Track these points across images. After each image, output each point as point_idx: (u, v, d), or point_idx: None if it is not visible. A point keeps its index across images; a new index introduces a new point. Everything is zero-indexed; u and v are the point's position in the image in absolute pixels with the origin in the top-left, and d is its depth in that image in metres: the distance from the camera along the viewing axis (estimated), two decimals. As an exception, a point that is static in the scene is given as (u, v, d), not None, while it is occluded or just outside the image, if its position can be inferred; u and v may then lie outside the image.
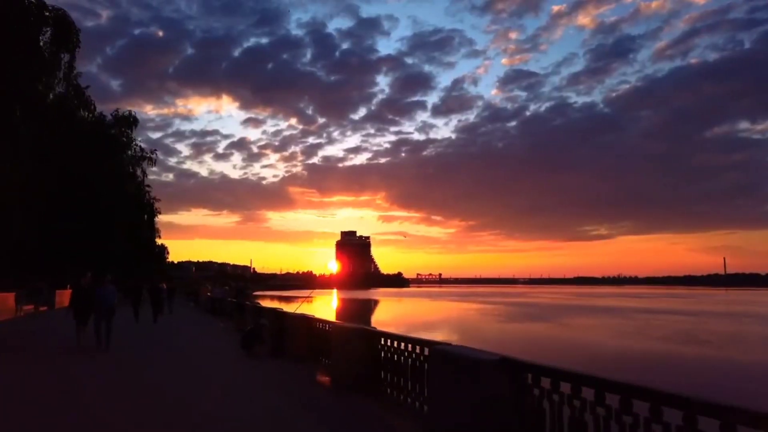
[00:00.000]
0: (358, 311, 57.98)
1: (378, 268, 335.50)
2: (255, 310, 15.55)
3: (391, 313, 52.34)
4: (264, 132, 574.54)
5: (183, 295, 40.80)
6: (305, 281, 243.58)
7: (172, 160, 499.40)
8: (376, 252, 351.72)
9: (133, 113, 36.43)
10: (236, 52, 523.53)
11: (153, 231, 46.11)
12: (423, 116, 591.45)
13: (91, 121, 34.40)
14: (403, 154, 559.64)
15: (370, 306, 68.81)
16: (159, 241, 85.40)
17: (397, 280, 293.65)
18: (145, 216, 40.89)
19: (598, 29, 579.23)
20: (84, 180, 30.38)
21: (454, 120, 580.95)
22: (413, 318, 45.74)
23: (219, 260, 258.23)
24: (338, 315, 50.47)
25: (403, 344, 6.52)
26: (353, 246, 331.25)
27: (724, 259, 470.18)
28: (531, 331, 33.05)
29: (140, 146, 37.16)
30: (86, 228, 29.48)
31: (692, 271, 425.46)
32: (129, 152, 36.48)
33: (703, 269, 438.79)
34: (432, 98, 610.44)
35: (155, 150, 38.04)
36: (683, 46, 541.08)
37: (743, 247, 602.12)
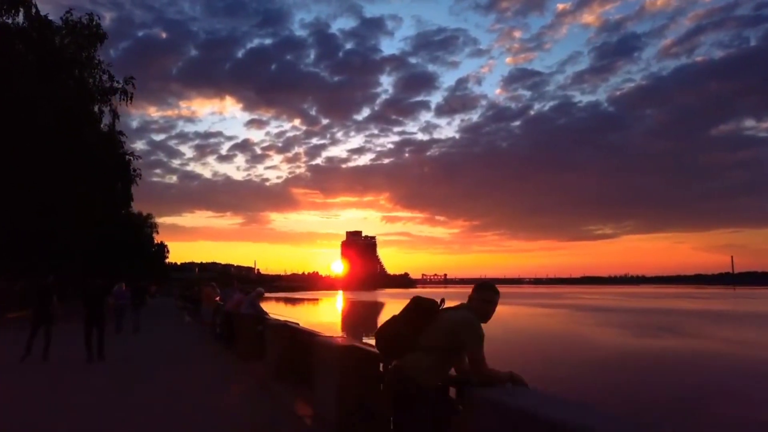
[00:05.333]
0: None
1: (384, 269, 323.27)
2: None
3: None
4: (267, 133, 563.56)
5: (190, 302, 28.63)
6: (311, 282, 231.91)
7: (176, 162, 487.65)
8: (380, 253, 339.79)
9: (96, 19, 23.17)
10: (239, 53, 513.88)
11: (129, 202, 31.91)
12: (427, 116, 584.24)
13: (26, 29, 21.55)
14: (406, 155, 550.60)
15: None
16: (157, 239, 72.82)
17: (404, 281, 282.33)
18: (119, 182, 26.71)
19: (603, 27, 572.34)
20: (6, 121, 17.83)
21: (458, 120, 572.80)
22: (515, 342, 32.04)
23: (223, 261, 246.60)
24: (360, 326, 37.65)
25: None
26: (359, 246, 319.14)
27: (732, 257, 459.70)
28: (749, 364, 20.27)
29: (109, 72, 23.87)
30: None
31: (699, 269, 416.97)
32: (90, 80, 23.40)
33: (709, 268, 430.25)
34: (436, 98, 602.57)
35: (132, 78, 24.47)
36: (689, 43, 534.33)
37: (748, 245, 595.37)
